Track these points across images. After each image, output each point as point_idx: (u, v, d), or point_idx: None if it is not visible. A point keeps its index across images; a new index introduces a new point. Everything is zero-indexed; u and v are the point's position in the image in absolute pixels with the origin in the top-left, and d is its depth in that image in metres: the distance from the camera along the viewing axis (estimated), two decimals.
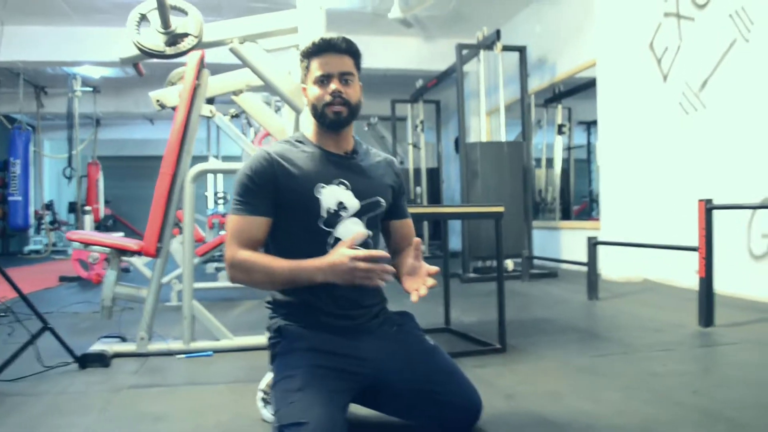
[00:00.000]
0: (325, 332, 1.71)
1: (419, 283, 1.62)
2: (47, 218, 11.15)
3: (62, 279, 6.27)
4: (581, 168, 10.79)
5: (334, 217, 1.73)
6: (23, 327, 2.68)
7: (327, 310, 1.73)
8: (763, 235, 4.12)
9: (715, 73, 4.54)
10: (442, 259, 3.67)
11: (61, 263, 8.90)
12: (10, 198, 8.65)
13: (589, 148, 10.94)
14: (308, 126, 1.86)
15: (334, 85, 1.72)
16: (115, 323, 3.28)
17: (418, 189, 9.52)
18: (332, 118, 1.74)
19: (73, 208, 12.23)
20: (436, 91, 9.56)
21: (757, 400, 2.10)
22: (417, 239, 1.65)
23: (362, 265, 1.55)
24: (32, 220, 9.99)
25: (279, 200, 1.73)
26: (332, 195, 1.74)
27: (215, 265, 7.20)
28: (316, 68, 1.74)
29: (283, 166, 1.73)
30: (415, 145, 9.95)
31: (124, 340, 3.01)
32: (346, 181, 1.76)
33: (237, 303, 4.67)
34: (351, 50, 1.77)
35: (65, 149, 10.52)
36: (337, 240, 1.72)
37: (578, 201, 10.60)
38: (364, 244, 1.75)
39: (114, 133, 14.36)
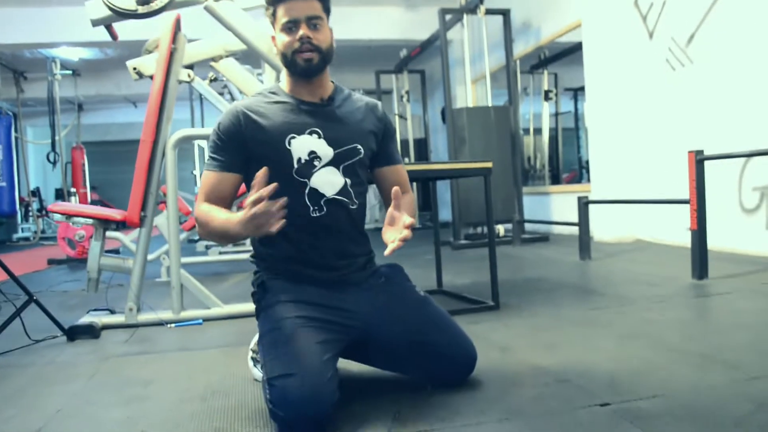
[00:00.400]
0: (309, 285, 1.68)
1: (395, 234, 1.53)
2: (35, 205, 11.04)
3: (51, 262, 6.21)
4: (569, 136, 10.77)
5: (308, 167, 1.68)
6: (12, 305, 2.63)
7: (310, 262, 1.70)
8: (753, 189, 4.11)
9: (701, 27, 4.49)
10: (432, 227, 3.65)
11: (50, 248, 8.81)
12: None
13: (577, 115, 10.90)
14: (283, 75, 1.80)
15: (302, 31, 1.65)
16: (105, 298, 3.24)
17: (406, 160, 9.46)
18: (303, 66, 1.68)
19: (59, 194, 12.12)
20: (421, 61, 9.48)
21: (751, 342, 2.08)
22: (397, 188, 1.56)
23: (256, 209, 1.40)
24: (18, 206, 9.85)
25: (250, 154, 1.69)
26: (303, 145, 1.69)
27: (205, 243, 7.15)
28: (282, 15, 1.67)
29: (251, 120, 1.68)
30: (402, 116, 9.88)
31: (113, 312, 2.97)
32: (318, 130, 1.71)
33: (227, 276, 4.64)
34: None
35: (48, 135, 10.37)
36: (313, 190, 1.68)
37: (567, 169, 10.60)
38: (343, 193, 1.71)
39: (97, 118, 14.19)
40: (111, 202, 13.57)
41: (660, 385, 1.65)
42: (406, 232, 1.51)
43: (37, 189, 12.34)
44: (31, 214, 11.13)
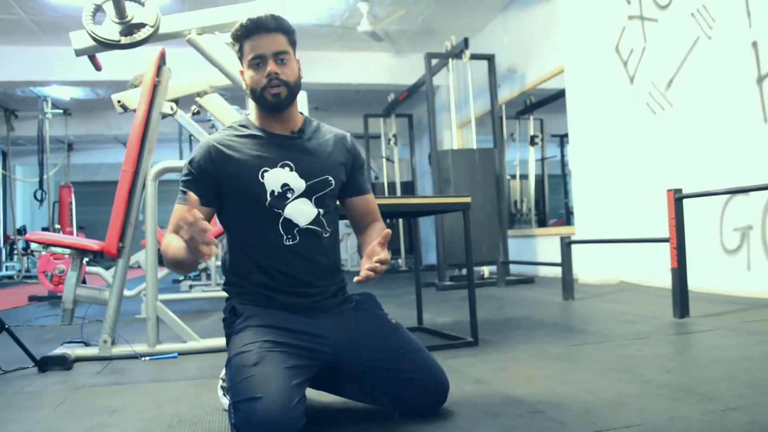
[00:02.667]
0: (280, 310, 1.67)
1: (368, 264, 1.53)
2: (20, 243, 10.95)
3: (32, 298, 6.13)
4: (556, 183, 10.87)
5: (281, 199, 1.70)
6: None
7: (282, 288, 1.69)
8: (734, 229, 4.14)
9: (680, 71, 4.60)
10: (414, 270, 3.65)
11: (33, 286, 8.70)
12: None
13: (563, 161, 11.03)
14: (253, 109, 1.82)
15: (269, 68, 1.67)
16: (81, 332, 3.18)
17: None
18: (272, 101, 1.70)
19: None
20: (408, 106, 9.62)
21: (729, 376, 2.07)
22: (388, 231, 1.55)
23: (183, 232, 1.40)
24: (3, 244, 9.78)
25: (223, 187, 1.71)
26: (276, 178, 1.70)
27: (189, 283, 7.10)
28: (248, 51, 1.69)
29: (223, 154, 1.70)
30: (389, 159, 9.97)
31: (87, 345, 2.91)
32: (290, 162, 1.72)
33: (209, 313, 4.59)
34: (282, 27, 1.71)
35: (37, 174, 10.36)
36: (287, 220, 1.70)
37: (554, 215, 10.66)
38: (316, 223, 1.72)
39: (87, 158, 14.22)
40: None
41: (635, 416, 1.64)
42: (378, 266, 1.51)
43: (24, 227, 12.26)
44: (16, 252, 11.03)
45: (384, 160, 10.03)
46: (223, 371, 1.85)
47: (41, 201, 9.85)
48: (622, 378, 2.08)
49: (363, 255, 1.64)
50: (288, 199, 1.70)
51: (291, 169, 1.72)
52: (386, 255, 1.55)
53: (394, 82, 8.92)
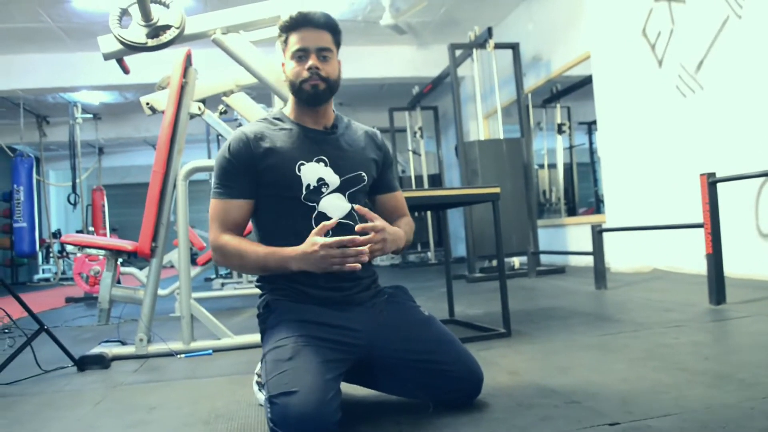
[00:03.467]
0: (314, 305, 1.67)
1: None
2: (55, 247, 11.18)
3: (68, 300, 6.27)
4: (585, 171, 10.73)
5: (316, 193, 1.71)
6: (25, 336, 2.64)
7: (315, 283, 1.69)
8: None
9: (710, 53, 4.49)
10: (445, 262, 3.65)
11: (69, 288, 8.89)
12: (15, 225, 8.68)
13: (592, 149, 10.87)
14: (288, 103, 1.83)
15: (311, 61, 1.69)
16: (117, 331, 3.25)
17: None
18: (310, 93, 1.71)
19: None
20: (433, 98, 9.58)
21: None
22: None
23: (333, 251, 1.54)
24: (39, 248, 10.00)
25: (259, 180, 1.71)
26: (312, 172, 1.71)
27: (221, 281, 7.18)
28: (293, 43, 1.71)
29: (261, 146, 1.71)
30: (415, 152, 9.95)
31: (124, 344, 2.97)
32: (325, 158, 1.73)
33: (241, 310, 4.64)
34: (329, 25, 1.74)
35: (70, 178, 10.57)
36: (321, 214, 1.70)
37: (584, 204, 10.53)
38: (349, 217, 1.72)
39: (117, 161, 14.45)
40: None
41: (672, 405, 1.61)
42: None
43: (58, 231, 12.51)
44: (51, 255, 11.27)
45: (410, 153, 10.01)
46: (258, 366, 1.87)
47: (75, 204, 10.03)
48: (658, 366, 2.05)
49: None
50: (323, 193, 1.71)
51: (326, 164, 1.73)
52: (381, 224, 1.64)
53: (418, 74, 8.88)
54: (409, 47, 8.89)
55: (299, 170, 1.70)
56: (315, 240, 1.56)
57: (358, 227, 1.59)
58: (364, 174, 1.79)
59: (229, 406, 1.92)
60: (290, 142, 1.73)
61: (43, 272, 11.67)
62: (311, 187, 1.70)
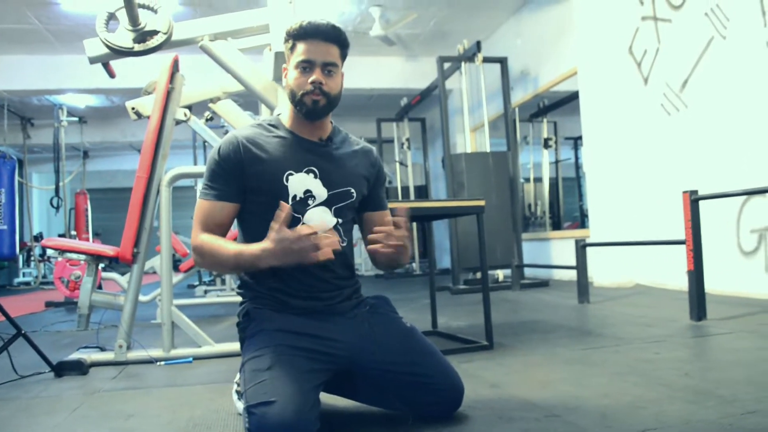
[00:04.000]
0: (294, 314, 1.66)
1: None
2: (36, 250, 11.06)
3: (48, 304, 6.20)
4: (570, 186, 10.81)
5: (302, 205, 1.69)
6: (1, 339, 2.60)
7: (297, 293, 1.68)
8: (751, 231, 4.09)
9: (694, 72, 4.56)
10: (429, 273, 3.65)
11: (50, 292, 8.78)
12: None
13: (577, 164, 10.96)
14: (285, 109, 1.82)
15: (315, 75, 1.67)
16: (96, 338, 3.20)
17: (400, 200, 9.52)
18: (309, 107, 1.69)
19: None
20: (421, 110, 9.62)
21: (748, 378, 2.04)
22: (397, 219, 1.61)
23: (305, 243, 1.48)
24: (20, 251, 9.88)
25: (247, 185, 1.69)
26: (300, 182, 1.70)
27: (204, 288, 7.14)
28: (300, 53, 1.68)
29: (251, 151, 1.69)
30: (402, 163, 9.97)
31: (103, 350, 2.93)
32: (315, 169, 1.72)
33: (223, 318, 4.60)
34: (339, 40, 1.72)
35: (53, 181, 10.48)
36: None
37: (569, 218, 10.59)
38: (334, 231, 1.72)
39: (102, 165, 14.35)
40: None
41: (652, 420, 1.62)
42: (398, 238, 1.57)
43: (40, 234, 12.38)
44: (32, 258, 11.15)
45: (398, 164, 10.03)
46: (238, 375, 1.85)
47: (57, 208, 9.94)
48: (639, 382, 2.06)
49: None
50: (309, 205, 1.70)
51: (315, 176, 1.72)
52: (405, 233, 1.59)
53: (406, 86, 8.92)
54: (398, 59, 8.94)
55: (287, 180, 1.68)
56: (284, 236, 1.50)
57: (376, 229, 1.59)
58: (353, 190, 1.77)
59: (208, 415, 1.89)
60: (282, 151, 1.72)
61: (24, 276, 11.56)
62: (297, 198, 1.69)
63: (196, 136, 8.59)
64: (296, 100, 1.71)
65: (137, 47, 2.46)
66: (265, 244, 1.54)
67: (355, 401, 1.81)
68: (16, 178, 9.14)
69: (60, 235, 12.33)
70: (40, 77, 8.15)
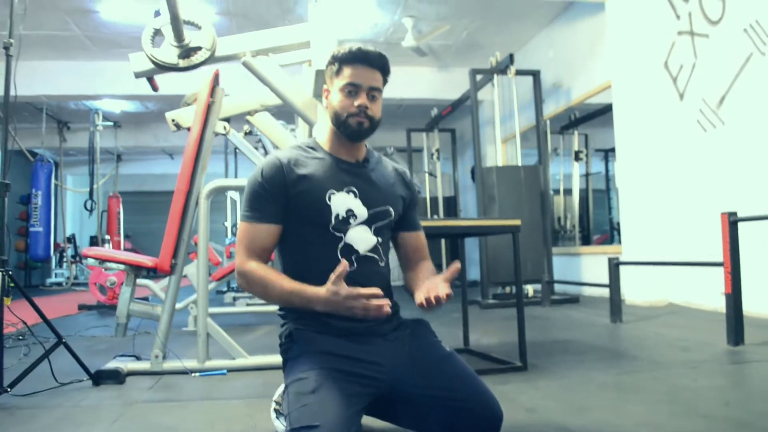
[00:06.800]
0: (336, 336, 1.67)
1: (435, 291, 1.56)
2: (69, 251, 11.27)
3: (81, 307, 6.29)
4: (600, 198, 10.70)
5: (343, 224, 1.71)
6: (41, 346, 2.66)
7: (338, 314, 1.69)
8: None
9: (732, 88, 4.49)
10: (460, 286, 3.63)
11: (81, 294, 8.94)
12: (32, 229, 8.77)
13: (608, 176, 10.85)
14: (323, 131, 1.84)
15: (361, 100, 1.70)
16: (131, 345, 3.26)
17: (435, 217, 9.49)
18: (354, 129, 1.72)
19: (94, 241, 12.36)
20: (451, 120, 9.60)
21: None
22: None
23: (356, 303, 1.55)
24: (53, 252, 10.09)
25: (290, 206, 1.72)
26: (342, 202, 1.72)
27: (233, 294, 7.19)
28: (346, 76, 1.71)
29: (294, 172, 1.71)
30: (431, 174, 9.96)
31: (139, 359, 2.98)
32: (355, 189, 1.74)
33: (255, 327, 4.63)
34: (384, 68, 1.75)
35: (86, 183, 10.68)
36: (347, 246, 1.70)
37: (598, 231, 10.49)
38: (374, 251, 1.73)
39: (134, 168, 14.56)
40: (143, 252, 13.81)
41: None
42: (443, 297, 1.54)
43: (73, 236, 12.61)
44: (65, 259, 11.35)
45: (426, 174, 10.03)
46: (277, 393, 1.88)
47: (91, 211, 10.13)
48: (678, 411, 2.03)
49: (415, 289, 1.68)
50: (350, 224, 1.72)
51: (355, 196, 1.74)
52: (450, 291, 1.57)
53: (437, 96, 8.92)
54: (430, 69, 8.94)
55: (329, 199, 1.71)
56: (339, 291, 1.56)
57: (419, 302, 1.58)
58: (391, 209, 1.79)
59: (245, 431, 1.91)
60: (322, 171, 1.74)
61: (56, 276, 11.76)
62: (340, 217, 1.71)
63: (228, 143, 8.69)
64: (341, 122, 1.73)
65: (182, 63, 2.50)
66: (320, 292, 1.59)
67: (393, 423, 1.81)
68: (53, 181, 9.34)
69: (92, 237, 12.56)
70: (79, 83, 8.31)
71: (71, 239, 12.14)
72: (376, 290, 1.57)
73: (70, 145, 11.33)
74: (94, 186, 10.24)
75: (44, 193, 9.12)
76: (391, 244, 1.90)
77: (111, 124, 10.48)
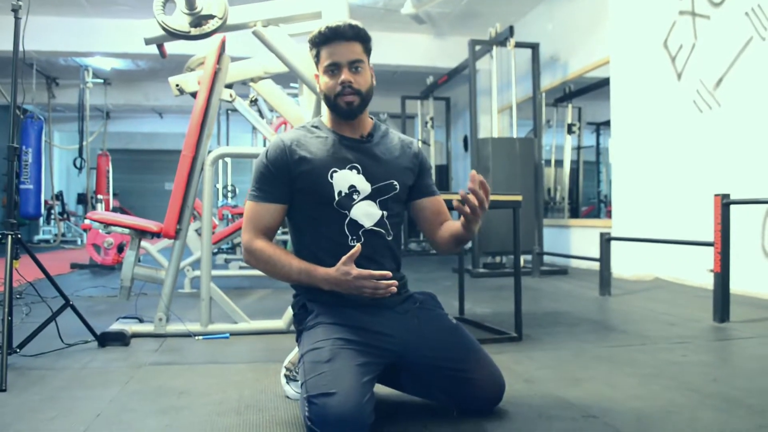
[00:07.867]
0: (348, 308, 1.73)
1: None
2: (57, 208, 11.21)
3: (74, 266, 6.32)
4: (590, 170, 10.81)
5: (347, 200, 1.77)
6: (46, 305, 2.70)
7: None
8: None
9: (730, 71, 4.53)
10: (458, 259, 3.69)
11: (70, 252, 8.97)
12: (22, 186, 8.69)
13: (598, 149, 10.94)
14: (325, 110, 1.88)
15: (343, 76, 1.74)
16: (131, 307, 3.30)
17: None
18: (345, 109, 1.77)
19: (81, 199, 12.31)
20: (447, 89, 9.59)
21: None
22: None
23: (367, 283, 1.62)
24: (43, 209, 10.04)
25: (295, 186, 1.78)
26: (344, 179, 1.77)
27: (225, 256, 7.24)
28: (324, 57, 1.76)
29: (296, 153, 1.77)
30: (425, 142, 9.98)
31: (141, 321, 3.03)
32: (358, 165, 1.79)
33: (250, 291, 4.70)
34: (359, 36, 1.77)
35: (75, 140, 10.59)
36: (353, 221, 1.76)
37: (586, 203, 10.61)
38: (380, 224, 1.78)
39: (123, 126, 14.42)
40: (131, 210, 13.77)
41: (686, 426, 1.68)
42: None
43: (60, 193, 12.54)
44: (53, 217, 11.31)
45: (420, 143, 10.04)
46: (287, 359, 1.94)
47: (80, 168, 10.06)
48: (669, 385, 2.11)
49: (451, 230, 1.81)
50: (354, 200, 1.77)
51: (358, 172, 1.79)
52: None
53: (433, 64, 8.90)
54: (426, 36, 8.89)
55: (332, 177, 1.76)
56: (349, 271, 1.63)
57: (461, 192, 1.59)
58: (395, 182, 1.84)
59: (256, 395, 1.98)
60: (325, 150, 1.79)
61: (44, 233, 11.72)
62: (343, 194, 1.76)
63: (220, 107, 8.64)
64: (331, 103, 1.79)
65: (193, 31, 2.50)
66: (329, 272, 1.66)
67: (400, 391, 1.88)
68: (43, 138, 9.24)
69: (80, 195, 12.49)
70: (70, 39, 8.18)
71: (59, 196, 12.07)
72: (386, 273, 1.64)
73: (58, 101, 11.19)
74: (84, 143, 10.16)
75: (34, 151, 9.02)
76: (405, 216, 1.95)
77: (101, 81, 10.36)
